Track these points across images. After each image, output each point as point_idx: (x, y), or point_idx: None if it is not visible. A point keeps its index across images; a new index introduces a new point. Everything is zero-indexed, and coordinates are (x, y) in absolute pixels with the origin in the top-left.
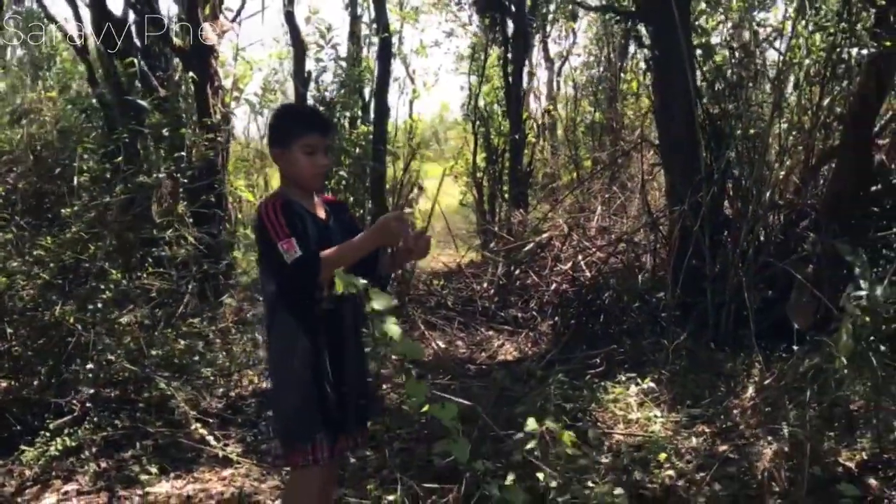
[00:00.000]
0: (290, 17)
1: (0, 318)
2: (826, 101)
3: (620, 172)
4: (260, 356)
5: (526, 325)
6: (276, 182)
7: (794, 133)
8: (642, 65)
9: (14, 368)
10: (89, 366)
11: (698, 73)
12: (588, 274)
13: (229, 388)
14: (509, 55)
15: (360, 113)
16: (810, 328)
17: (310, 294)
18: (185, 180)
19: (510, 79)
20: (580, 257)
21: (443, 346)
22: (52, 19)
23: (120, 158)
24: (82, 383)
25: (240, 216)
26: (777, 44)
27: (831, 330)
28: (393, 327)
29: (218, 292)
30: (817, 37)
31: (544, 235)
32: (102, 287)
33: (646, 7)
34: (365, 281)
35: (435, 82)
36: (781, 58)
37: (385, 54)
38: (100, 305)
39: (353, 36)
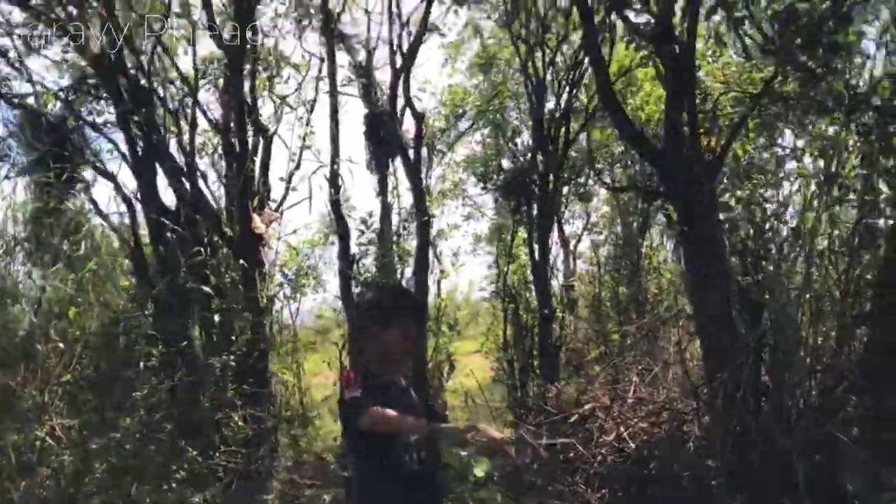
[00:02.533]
0: (335, 205)
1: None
2: (857, 270)
3: (651, 345)
4: None
5: (575, 499)
6: (309, 364)
7: (825, 301)
8: (656, 239)
9: None
10: None
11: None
12: (632, 445)
13: None
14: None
15: None
16: (865, 490)
17: (397, 455)
18: (234, 363)
19: (535, 257)
20: (622, 429)
21: None
22: (102, 215)
23: (185, 343)
24: None
25: (282, 398)
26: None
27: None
28: (496, 495)
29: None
30: (838, 208)
31: (586, 407)
32: (175, 467)
33: (674, 186)
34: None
35: (462, 263)
36: (802, 230)
37: (424, 237)
38: (174, 485)
39: (387, 220)
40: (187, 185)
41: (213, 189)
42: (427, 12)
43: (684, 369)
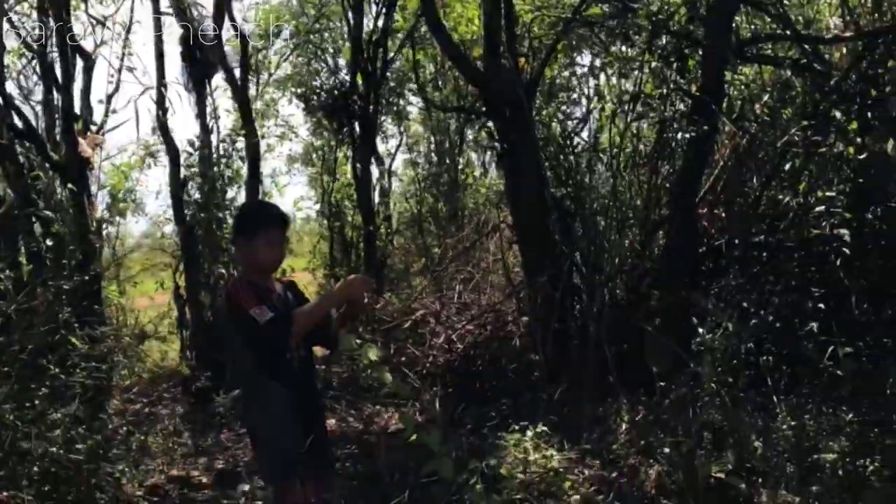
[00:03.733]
0: (164, 127)
1: None
2: (657, 180)
3: (471, 256)
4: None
5: (411, 397)
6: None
7: (629, 209)
8: (473, 157)
9: None
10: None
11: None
12: (460, 346)
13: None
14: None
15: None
16: (666, 371)
17: (283, 353)
18: (67, 287)
19: (358, 175)
20: (450, 332)
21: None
22: None
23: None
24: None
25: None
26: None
27: (684, 371)
28: (386, 374)
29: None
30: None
31: (418, 314)
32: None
33: (493, 106)
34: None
35: (286, 184)
36: (607, 144)
37: (254, 158)
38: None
39: (207, 141)
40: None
41: (27, 113)
42: None
43: (507, 275)
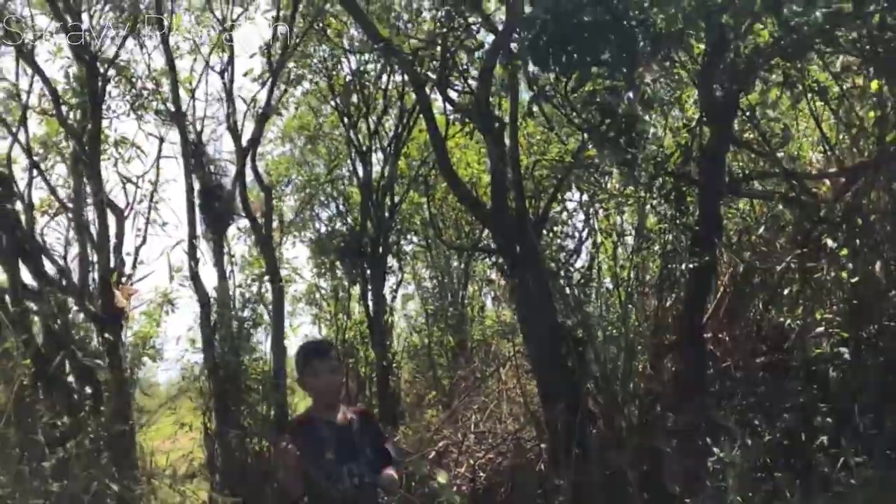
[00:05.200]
0: (195, 276)
1: None
2: (665, 306)
3: (485, 385)
4: None
5: None
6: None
7: (638, 336)
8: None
9: None
10: None
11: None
12: (483, 474)
13: None
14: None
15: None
16: (687, 489)
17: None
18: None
19: (370, 313)
20: (471, 461)
21: None
22: None
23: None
24: None
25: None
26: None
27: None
28: (455, 496)
29: None
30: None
31: (440, 444)
32: None
33: (504, 243)
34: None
35: (299, 325)
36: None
37: (278, 302)
38: None
39: (224, 286)
40: (48, 264)
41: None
42: (270, 94)
43: (525, 402)
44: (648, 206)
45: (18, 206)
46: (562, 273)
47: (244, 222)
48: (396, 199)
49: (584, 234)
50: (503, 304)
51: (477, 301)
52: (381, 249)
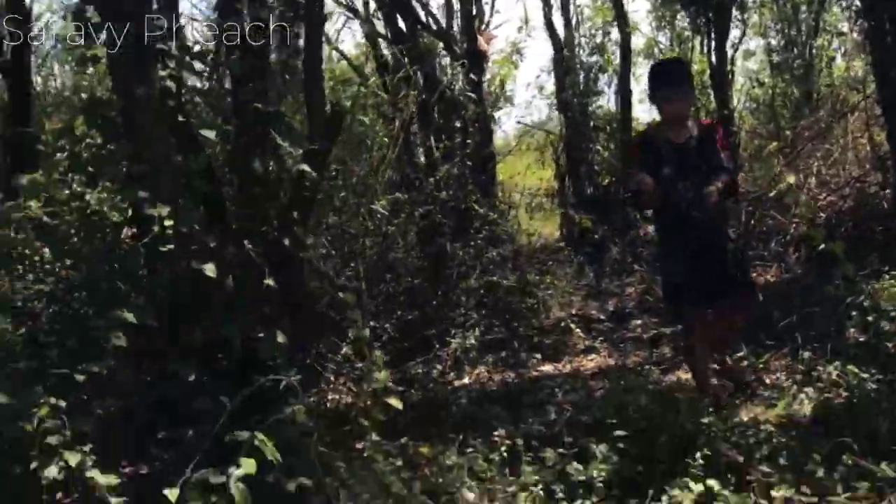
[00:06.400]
0: (550, 24)
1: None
2: None
3: (829, 135)
4: None
5: (773, 260)
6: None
7: None
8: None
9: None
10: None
11: None
12: (822, 215)
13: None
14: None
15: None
16: None
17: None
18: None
19: (713, 62)
20: (813, 203)
21: None
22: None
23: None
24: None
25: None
26: None
27: None
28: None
29: None
30: None
31: (783, 184)
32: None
33: None
34: None
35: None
36: None
37: (626, 48)
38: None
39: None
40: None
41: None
42: None
43: (872, 148)
44: None
45: None
46: None
47: None
48: None
49: None
50: (853, 56)
51: (826, 51)
52: None
